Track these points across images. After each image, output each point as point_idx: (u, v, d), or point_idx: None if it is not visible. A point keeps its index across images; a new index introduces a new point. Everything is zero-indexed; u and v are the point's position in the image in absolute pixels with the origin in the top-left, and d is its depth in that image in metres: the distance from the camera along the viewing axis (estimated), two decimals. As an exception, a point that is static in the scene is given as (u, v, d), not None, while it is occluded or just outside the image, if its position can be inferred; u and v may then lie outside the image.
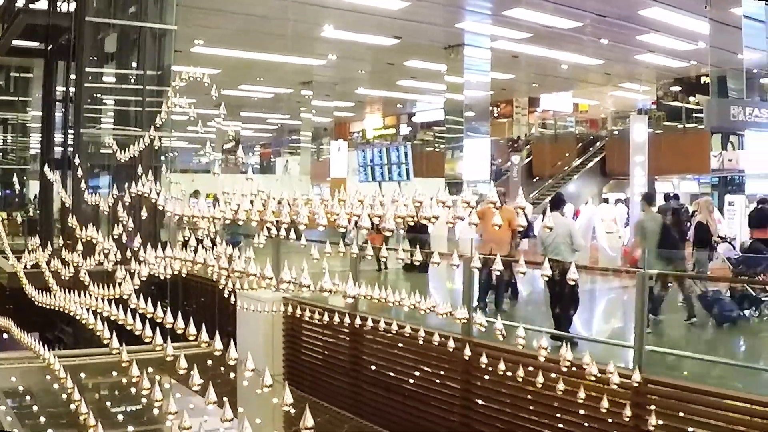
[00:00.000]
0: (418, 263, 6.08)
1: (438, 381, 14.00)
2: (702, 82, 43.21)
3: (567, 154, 47.59)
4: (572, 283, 6.06)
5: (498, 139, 51.51)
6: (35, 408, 17.59)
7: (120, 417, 16.31)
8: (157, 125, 7.37)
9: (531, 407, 12.17)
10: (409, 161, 38.21)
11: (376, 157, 39.80)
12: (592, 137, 50.24)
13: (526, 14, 30.73)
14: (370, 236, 18.02)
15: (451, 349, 9.09)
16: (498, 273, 6.10)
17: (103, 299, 6.53)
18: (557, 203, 15.71)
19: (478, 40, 36.78)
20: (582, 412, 11.09)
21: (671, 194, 28.54)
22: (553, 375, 7.71)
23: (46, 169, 11.10)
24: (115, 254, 7.59)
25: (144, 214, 7.52)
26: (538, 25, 32.52)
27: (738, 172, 30.85)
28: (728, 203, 28.76)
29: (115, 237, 7.52)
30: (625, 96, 53.72)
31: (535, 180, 46.02)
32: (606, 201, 37.66)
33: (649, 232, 17.27)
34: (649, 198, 18.62)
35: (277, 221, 5.53)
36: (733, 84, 30.31)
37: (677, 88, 48.69)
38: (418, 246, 6.63)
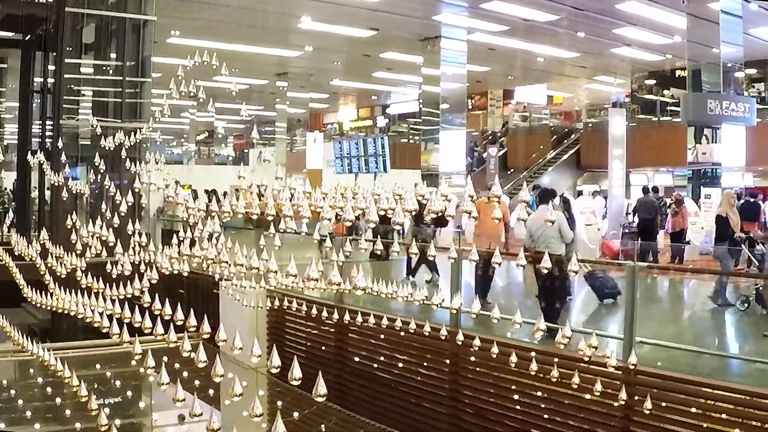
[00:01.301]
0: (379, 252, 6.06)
1: (425, 372, 14.06)
2: (677, 76, 43.34)
3: (541, 147, 47.73)
4: (573, 274, 6.12)
5: (473, 131, 51.54)
6: (20, 402, 17.55)
7: (106, 410, 16.23)
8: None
9: (519, 398, 12.25)
10: (386, 153, 38.23)
11: (353, 148, 39.82)
12: (566, 130, 50.40)
13: (503, 7, 30.79)
14: (335, 226, 18.03)
15: (443, 337, 9.12)
16: (497, 266, 6.11)
17: (113, 300, 6.50)
18: (547, 196, 15.74)
19: (455, 32, 36.77)
20: (570, 402, 11.19)
21: (650, 187, 28.69)
22: (533, 365, 7.71)
23: (30, 157, 10.99)
24: (115, 247, 7.57)
25: (125, 205, 7.50)
26: (516, 18, 32.58)
27: (712, 165, 30.96)
28: (705, 196, 28.96)
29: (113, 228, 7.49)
30: (600, 89, 53.83)
31: (509, 172, 46.11)
32: (580, 193, 37.78)
33: None
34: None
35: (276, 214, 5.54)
36: (707, 77, 30.39)
37: (652, 82, 48.84)
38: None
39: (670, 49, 37.69)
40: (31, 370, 17.67)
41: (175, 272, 7.08)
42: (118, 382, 16.95)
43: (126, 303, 6.40)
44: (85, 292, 6.89)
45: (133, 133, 11.09)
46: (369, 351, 15.31)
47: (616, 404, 7.82)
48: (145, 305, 6.08)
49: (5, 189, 45.25)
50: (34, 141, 28.62)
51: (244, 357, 4.89)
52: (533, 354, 8.20)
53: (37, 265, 8.21)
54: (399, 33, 36.68)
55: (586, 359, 5.83)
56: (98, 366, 17.29)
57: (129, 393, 17.25)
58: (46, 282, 7.83)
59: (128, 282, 6.68)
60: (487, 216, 5.68)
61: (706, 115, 28.52)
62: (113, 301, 6.24)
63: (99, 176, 9.15)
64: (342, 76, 51.59)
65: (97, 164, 7.84)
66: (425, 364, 14.06)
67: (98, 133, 9.73)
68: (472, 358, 13.13)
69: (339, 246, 6.39)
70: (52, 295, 7.41)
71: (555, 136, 49.04)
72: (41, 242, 8.58)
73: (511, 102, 58.96)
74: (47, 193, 27.15)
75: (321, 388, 4.14)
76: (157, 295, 6.54)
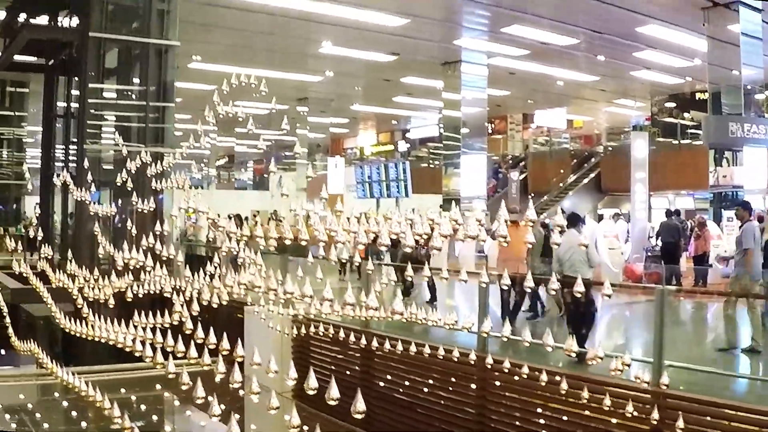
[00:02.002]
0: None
1: (451, 396, 14.04)
2: (697, 99, 43.27)
3: (562, 170, 47.66)
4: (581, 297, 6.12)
5: (493, 155, 51.50)
6: (46, 425, 17.50)
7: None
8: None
9: (546, 422, 12.20)
10: (407, 177, 38.26)
11: (374, 173, 39.83)
12: (586, 153, 50.36)
13: (523, 31, 30.80)
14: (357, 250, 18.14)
15: (471, 362, 9.09)
16: (529, 290, 6.10)
17: (154, 330, 6.48)
18: (573, 220, 15.68)
19: (475, 56, 36.82)
20: (597, 426, 11.13)
21: (672, 210, 28.62)
22: (563, 384, 7.66)
23: (55, 178, 11.03)
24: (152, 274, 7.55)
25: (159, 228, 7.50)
26: (535, 42, 32.58)
27: (733, 188, 30.89)
28: (727, 219, 28.84)
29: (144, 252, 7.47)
30: (619, 112, 53.79)
31: (531, 196, 46.02)
32: (601, 217, 37.75)
33: None
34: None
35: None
36: (728, 100, 30.28)
37: (672, 105, 48.78)
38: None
39: (690, 71, 37.63)
40: (56, 394, 17.68)
41: (215, 303, 7.08)
42: (142, 406, 16.91)
43: (158, 329, 6.41)
44: (117, 319, 6.88)
45: (157, 157, 11.12)
46: (394, 375, 15.29)
47: (646, 427, 7.78)
48: (187, 332, 6.09)
49: (31, 213, 45.44)
50: (57, 165, 28.67)
51: (265, 380, 4.88)
52: (560, 377, 8.14)
53: (70, 291, 8.18)
54: (419, 58, 36.77)
55: (616, 381, 5.83)
56: (123, 390, 17.28)
57: (154, 417, 17.21)
58: (79, 306, 7.79)
59: (162, 310, 6.66)
60: (514, 240, 5.67)
61: (727, 138, 28.39)
62: (154, 331, 6.22)
63: (122, 200, 9.19)
64: (362, 100, 51.64)
65: (127, 188, 7.83)
66: (450, 388, 14.04)
67: (124, 156, 9.75)
68: (497, 383, 13.10)
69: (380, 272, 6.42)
70: (85, 322, 7.37)
71: (575, 160, 49.02)
72: (70, 270, 8.55)
73: (531, 126, 58.93)
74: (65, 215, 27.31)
75: (360, 404, 4.15)
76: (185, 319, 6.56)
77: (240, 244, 6.48)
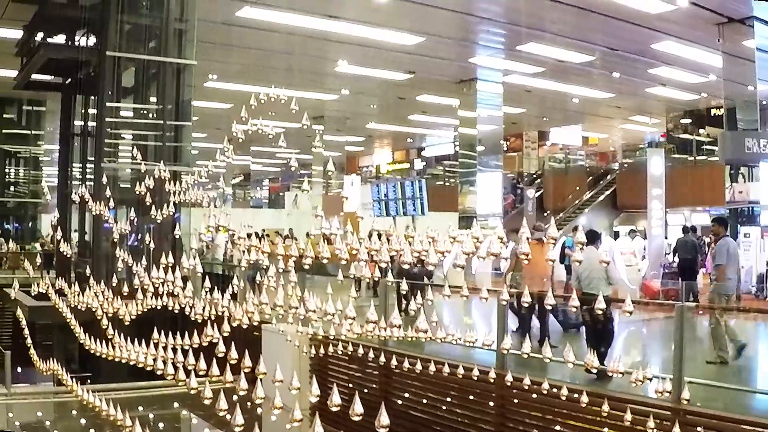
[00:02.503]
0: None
1: (470, 414, 14.03)
2: (713, 114, 43.27)
3: (578, 187, 47.69)
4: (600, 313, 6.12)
5: (508, 172, 51.50)
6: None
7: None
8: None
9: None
10: (423, 195, 38.24)
11: (390, 191, 39.82)
12: (602, 170, 50.37)
13: (538, 48, 30.79)
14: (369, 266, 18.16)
15: (491, 380, 9.09)
16: (550, 307, 6.11)
17: (185, 352, 6.49)
18: (592, 238, 15.67)
19: (490, 74, 36.87)
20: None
21: (689, 226, 28.58)
22: (584, 397, 7.66)
23: (74, 195, 11.06)
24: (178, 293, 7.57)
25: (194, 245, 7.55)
26: (551, 59, 32.60)
27: (749, 204, 30.78)
28: (744, 235, 28.76)
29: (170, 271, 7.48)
30: (635, 129, 53.74)
31: (546, 213, 46.06)
32: (617, 234, 37.66)
33: None
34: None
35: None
36: (743, 116, 30.15)
37: (687, 121, 48.71)
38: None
39: (705, 87, 37.61)
40: (74, 411, 17.72)
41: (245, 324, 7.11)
42: (161, 424, 16.95)
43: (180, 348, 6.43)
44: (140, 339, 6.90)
45: (175, 176, 11.17)
46: (412, 393, 15.31)
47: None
48: (220, 354, 6.12)
49: (40, 231, 45.60)
50: (74, 183, 28.73)
51: (282, 397, 4.89)
52: (580, 393, 8.12)
53: (94, 311, 8.20)
54: (435, 76, 36.84)
55: (636, 398, 5.82)
56: (140, 408, 17.32)
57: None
58: (104, 327, 7.78)
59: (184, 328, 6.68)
60: (538, 258, 5.69)
61: (743, 154, 28.30)
62: (175, 351, 6.23)
63: (139, 218, 9.21)
64: (378, 119, 51.68)
65: (146, 205, 7.87)
66: (469, 406, 14.03)
67: (142, 174, 9.77)
68: (516, 400, 13.11)
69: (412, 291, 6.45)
70: (110, 343, 7.35)
71: (591, 177, 49.04)
72: (95, 290, 8.56)
73: (546, 143, 58.94)
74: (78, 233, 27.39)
75: (384, 419, 4.16)
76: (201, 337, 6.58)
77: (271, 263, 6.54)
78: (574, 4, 25.07)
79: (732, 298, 16.65)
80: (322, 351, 10.59)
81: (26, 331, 10.29)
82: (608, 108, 45.84)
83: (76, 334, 8.47)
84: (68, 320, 8.99)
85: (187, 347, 6.40)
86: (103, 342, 7.68)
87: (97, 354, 7.63)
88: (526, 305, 7.72)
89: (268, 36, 28.47)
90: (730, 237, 18.17)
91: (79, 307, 8.73)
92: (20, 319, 10.16)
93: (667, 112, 48.38)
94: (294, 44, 29.61)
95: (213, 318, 7.16)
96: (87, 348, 7.93)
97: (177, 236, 24.26)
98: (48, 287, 9.44)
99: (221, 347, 6.32)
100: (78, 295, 8.72)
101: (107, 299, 8.16)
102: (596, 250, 15.16)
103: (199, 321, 6.76)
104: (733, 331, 15.49)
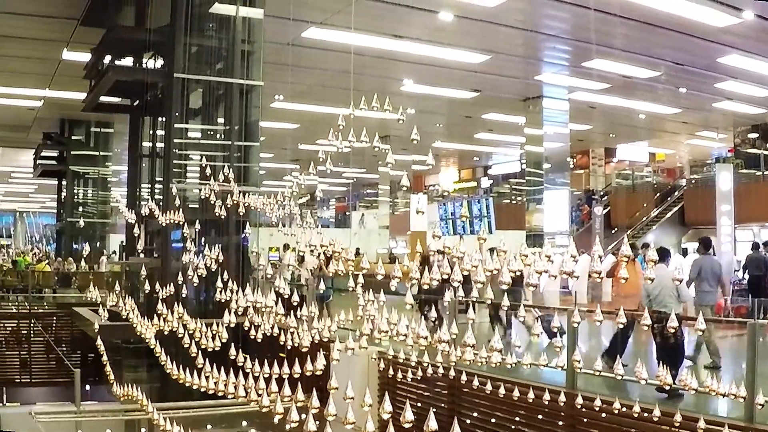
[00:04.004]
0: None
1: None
2: (780, 128, 42.93)
3: (645, 204, 47.38)
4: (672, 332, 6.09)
5: (575, 190, 51.31)
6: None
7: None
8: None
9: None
10: (491, 214, 38.18)
11: (457, 210, 39.77)
12: (669, 186, 50.00)
13: (604, 65, 30.67)
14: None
15: (561, 404, 9.04)
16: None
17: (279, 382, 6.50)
18: (662, 255, 15.59)
19: (556, 91, 36.79)
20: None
21: (759, 243, 28.31)
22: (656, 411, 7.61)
23: (144, 207, 11.18)
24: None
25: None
26: (616, 75, 32.48)
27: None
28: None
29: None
30: (702, 144, 53.31)
31: (613, 231, 45.81)
32: (686, 251, 37.34)
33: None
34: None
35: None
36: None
37: (755, 135, 48.19)
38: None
39: (771, 101, 37.36)
40: (143, 430, 17.87)
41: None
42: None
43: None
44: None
45: (242, 196, 11.24)
46: (481, 412, 15.26)
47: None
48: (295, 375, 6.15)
49: (113, 251, 46.06)
50: (143, 204, 28.97)
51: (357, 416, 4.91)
52: (651, 411, 8.05)
53: (179, 336, 8.23)
54: (501, 94, 36.83)
55: (708, 417, 5.77)
56: (209, 426, 17.43)
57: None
58: (193, 355, 7.76)
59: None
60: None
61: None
62: (279, 382, 6.23)
63: (208, 238, 9.27)
64: (444, 137, 51.69)
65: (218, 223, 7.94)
66: (538, 425, 13.96)
67: (214, 193, 9.84)
68: (585, 419, 13.02)
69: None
70: (200, 373, 7.32)
71: (658, 194, 48.69)
72: (179, 314, 8.61)
73: (613, 160, 58.67)
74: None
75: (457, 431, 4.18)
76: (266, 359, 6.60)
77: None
78: (639, 20, 24.99)
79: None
80: (392, 370, 10.60)
81: (102, 350, 10.34)
82: (675, 123, 45.55)
83: (162, 362, 8.47)
84: (150, 344, 9.01)
85: (285, 376, 6.39)
86: (190, 370, 7.67)
87: (180, 381, 7.64)
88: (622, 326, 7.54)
89: (333, 56, 28.58)
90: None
91: (162, 330, 8.79)
92: (99, 346, 10.20)
93: (734, 127, 47.89)
94: (360, 64, 29.75)
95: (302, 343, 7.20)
96: (172, 376, 7.92)
97: (253, 253, 24.45)
98: (127, 307, 9.51)
99: (295, 369, 6.34)
100: (160, 317, 8.78)
101: (197, 326, 8.20)
102: (666, 267, 15.07)
103: (304, 350, 6.75)
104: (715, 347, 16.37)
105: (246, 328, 8.20)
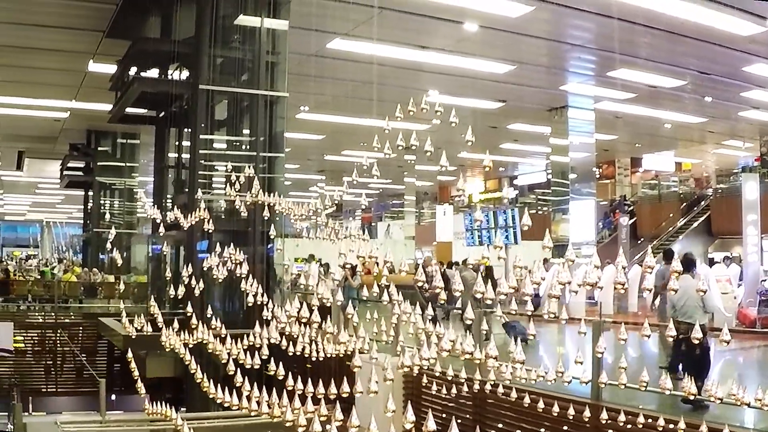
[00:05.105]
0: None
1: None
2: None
3: (671, 214, 47.25)
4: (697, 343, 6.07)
5: (601, 200, 51.18)
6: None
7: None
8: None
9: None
10: (516, 224, 38.02)
11: (483, 220, 39.62)
12: (696, 196, 49.85)
13: (629, 74, 30.61)
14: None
15: (586, 419, 8.99)
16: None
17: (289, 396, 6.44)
18: (687, 265, 15.50)
19: (582, 101, 36.71)
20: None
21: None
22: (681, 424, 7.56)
23: (169, 214, 11.20)
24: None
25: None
26: (642, 85, 32.41)
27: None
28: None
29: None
30: (728, 153, 53.11)
31: (639, 241, 45.70)
32: (712, 261, 37.19)
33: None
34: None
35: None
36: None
37: (781, 144, 48.08)
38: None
39: (797, 109, 37.21)
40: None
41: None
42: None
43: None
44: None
45: (267, 206, 11.25)
46: (506, 423, 15.22)
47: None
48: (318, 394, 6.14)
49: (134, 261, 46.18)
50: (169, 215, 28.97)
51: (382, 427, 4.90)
52: (676, 422, 8.01)
53: (217, 354, 8.19)
54: (526, 104, 36.81)
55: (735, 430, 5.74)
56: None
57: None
58: (230, 372, 7.63)
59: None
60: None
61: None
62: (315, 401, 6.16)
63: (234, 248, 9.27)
64: (469, 148, 51.67)
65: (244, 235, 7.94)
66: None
67: (239, 197, 9.87)
68: (610, 431, 12.97)
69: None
70: (240, 393, 7.19)
71: (684, 203, 48.54)
72: (213, 327, 8.58)
73: (639, 170, 58.51)
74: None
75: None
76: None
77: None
78: (664, 29, 24.93)
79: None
80: (411, 374, 10.59)
81: (133, 364, 10.32)
82: (701, 133, 45.44)
83: (198, 380, 8.39)
84: (184, 358, 8.97)
85: (320, 396, 6.34)
86: (219, 383, 7.60)
87: (219, 401, 7.54)
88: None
89: (358, 67, 28.60)
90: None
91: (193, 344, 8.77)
92: (129, 359, 10.17)
93: (760, 136, 47.71)
94: (385, 75, 29.77)
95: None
96: (212, 396, 7.82)
97: (285, 266, 24.46)
98: (155, 319, 9.49)
99: (320, 388, 6.32)
100: (192, 332, 8.76)
101: (234, 345, 8.17)
102: (692, 278, 14.99)
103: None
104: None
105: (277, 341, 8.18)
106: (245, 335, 8.33)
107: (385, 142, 6.88)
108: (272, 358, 7.85)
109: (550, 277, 24.14)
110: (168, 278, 28.20)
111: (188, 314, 9.05)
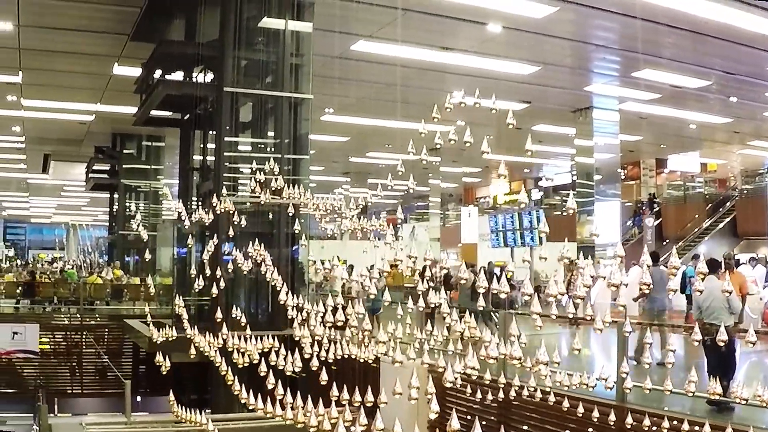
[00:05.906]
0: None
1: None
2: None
3: (697, 215, 47.10)
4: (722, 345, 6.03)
5: (626, 201, 51.03)
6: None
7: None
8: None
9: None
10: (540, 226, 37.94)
11: (508, 222, 39.53)
12: (721, 197, 49.68)
13: (654, 75, 30.51)
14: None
15: (611, 423, 8.97)
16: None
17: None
18: (713, 267, 15.44)
19: (606, 102, 36.62)
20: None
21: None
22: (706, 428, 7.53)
23: (193, 215, 11.25)
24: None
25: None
26: (666, 85, 32.29)
27: None
28: None
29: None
30: (754, 154, 52.85)
31: (665, 242, 45.54)
32: (738, 262, 37.08)
33: None
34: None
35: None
36: None
37: (807, 144, 47.88)
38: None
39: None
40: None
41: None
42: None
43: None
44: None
45: (290, 207, 11.26)
46: (531, 426, 15.20)
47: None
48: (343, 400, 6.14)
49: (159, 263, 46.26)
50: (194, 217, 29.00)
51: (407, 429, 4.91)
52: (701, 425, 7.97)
53: (250, 358, 8.17)
54: (550, 105, 36.72)
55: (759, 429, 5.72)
56: (261, 437, 17.44)
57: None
58: (270, 386, 7.56)
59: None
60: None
61: None
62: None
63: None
64: (494, 149, 51.49)
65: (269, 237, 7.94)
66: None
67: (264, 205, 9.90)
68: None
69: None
70: (273, 399, 7.13)
71: (710, 204, 48.38)
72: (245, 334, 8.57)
73: (664, 170, 58.31)
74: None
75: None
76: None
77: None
78: (689, 29, 24.85)
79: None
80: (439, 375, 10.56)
81: (162, 362, 10.31)
82: (726, 133, 45.20)
83: (229, 384, 8.36)
84: (215, 361, 8.98)
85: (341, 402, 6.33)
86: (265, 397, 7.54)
87: (258, 411, 7.48)
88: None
89: (382, 69, 28.64)
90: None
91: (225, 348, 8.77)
92: (159, 362, 10.15)
93: (786, 136, 47.57)
94: (409, 77, 29.76)
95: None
96: (249, 405, 7.77)
97: (313, 263, 24.45)
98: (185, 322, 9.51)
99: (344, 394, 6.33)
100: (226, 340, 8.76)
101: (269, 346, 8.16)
102: (717, 279, 14.93)
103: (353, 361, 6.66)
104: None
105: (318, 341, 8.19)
106: (276, 336, 8.33)
107: (422, 147, 6.88)
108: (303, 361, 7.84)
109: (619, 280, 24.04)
110: (192, 276, 28.24)
111: (216, 319, 9.06)
